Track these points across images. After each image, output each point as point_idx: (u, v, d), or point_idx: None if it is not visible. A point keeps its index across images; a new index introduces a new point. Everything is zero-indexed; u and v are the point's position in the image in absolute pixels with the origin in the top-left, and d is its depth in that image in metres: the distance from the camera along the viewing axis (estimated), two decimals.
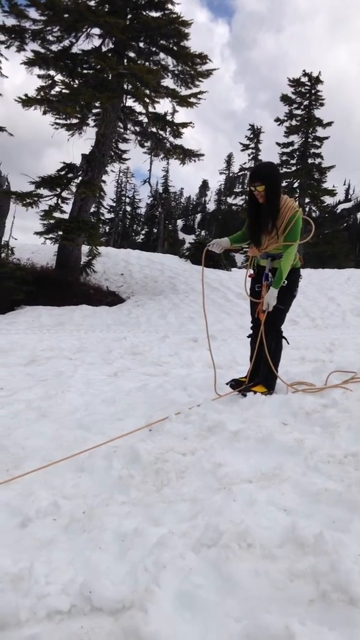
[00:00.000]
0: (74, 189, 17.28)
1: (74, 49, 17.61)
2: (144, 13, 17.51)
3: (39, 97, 16.85)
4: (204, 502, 2.38)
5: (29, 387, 5.48)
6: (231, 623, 1.61)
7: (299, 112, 37.50)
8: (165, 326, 13.16)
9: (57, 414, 4.19)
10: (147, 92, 17.29)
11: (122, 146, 23.46)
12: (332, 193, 39.49)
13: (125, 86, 17.79)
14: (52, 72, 17.53)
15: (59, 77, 17.43)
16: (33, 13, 16.50)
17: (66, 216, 17.34)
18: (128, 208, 69.63)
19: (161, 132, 19.49)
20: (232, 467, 2.73)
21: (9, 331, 11.47)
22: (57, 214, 16.79)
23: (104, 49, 17.92)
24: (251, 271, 4.63)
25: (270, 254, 4.37)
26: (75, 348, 8.78)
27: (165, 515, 2.31)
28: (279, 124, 37.85)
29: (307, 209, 39.44)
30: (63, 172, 17.61)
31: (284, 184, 37.28)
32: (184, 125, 19.18)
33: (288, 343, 4.71)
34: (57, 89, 17.18)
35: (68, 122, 18.12)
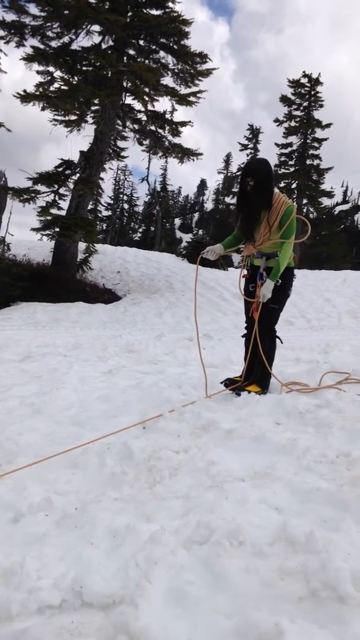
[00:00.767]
0: (71, 185, 17.26)
1: (74, 46, 17.63)
2: (145, 11, 17.52)
3: (37, 93, 16.83)
4: (196, 499, 2.39)
5: (23, 383, 5.48)
6: (221, 619, 1.62)
7: (298, 113, 37.61)
8: (161, 324, 13.16)
9: (51, 410, 4.19)
10: (147, 90, 17.30)
11: (120, 144, 23.46)
12: (330, 194, 39.64)
13: (124, 84, 17.78)
14: (51, 69, 17.52)
15: (58, 74, 17.42)
16: (33, 9, 16.51)
17: (63, 213, 17.33)
18: (126, 206, 69.53)
19: (160, 131, 19.50)
20: (225, 466, 2.74)
21: (4, 327, 11.46)
22: (54, 211, 16.79)
23: (103, 46, 17.91)
24: (245, 271, 4.64)
25: (264, 252, 4.38)
26: (71, 345, 8.78)
27: (157, 512, 2.32)
28: (278, 125, 37.94)
29: (304, 210, 39.53)
30: (61, 169, 17.59)
31: (282, 184, 37.37)
32: (183, 124, 19.18)
33: (282, 342, 4.73)
34: (56, 85, 17.20)
35: (67, 118, 18.12)
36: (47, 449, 3.20)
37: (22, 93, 16.21)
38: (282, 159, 38.28)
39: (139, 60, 17.96)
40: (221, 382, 4.64)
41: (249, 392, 4.22)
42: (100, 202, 36.81)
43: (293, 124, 37.69)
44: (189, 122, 19.24)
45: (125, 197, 69.42)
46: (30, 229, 17.22)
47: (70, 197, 17.70)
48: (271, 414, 3.66)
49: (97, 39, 17.91)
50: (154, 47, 18.15)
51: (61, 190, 17.18)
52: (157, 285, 18.85)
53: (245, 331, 4.66)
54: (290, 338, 10.01)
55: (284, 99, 37.22)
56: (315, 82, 37.02)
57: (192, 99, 18.20)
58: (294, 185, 37.62)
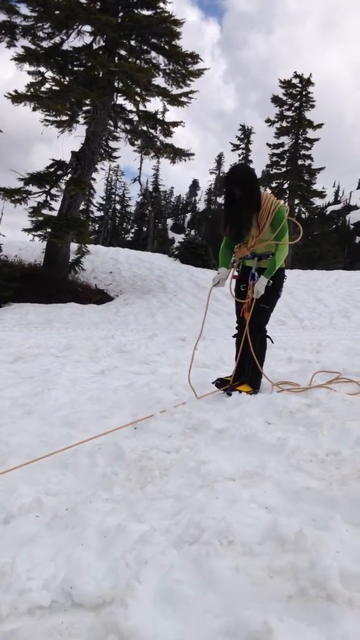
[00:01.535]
0: (63, 186, 17.21)
1: (65, 46, 17.55)
2: (136, 11, 17.50)
3: (29, 93, 16.74)
4: (187, 499, 2.39)
5: (14, 384, 5.46)
6: (211, 618, 1.63)
7: (289, 113, 37.64)
8: (154, 325, 13.16)
9: (42, 411, 4.19)
10: (138, 90, 17.28)
11: (112, 144, 23.40)
12: (321, 195, 39.75)
13: (116, 84, 17.75)
14: (42, 69, 17.42)
15: (49, 74, 17.33)
16: (24, 9, 16.41)
17: (55, 213, 17.27)
18: (118, 206, 69.48)
19: (152, 131, 19.48)
20: (216, 465, 2.74)
21: None
22: (45, 211, 16.72)
23: (95, 46, 17.87)
24: (235, 272, 4.66)
25: (257, 253, 4.40)
26: (63, 346, 8.76)
27: (148, 512, 2.32)
28: (269, 125, 37.96)
29: (296, 210, 39.63)
30: (52, 169, 17.53)
31: (273, 185, 37.45)
32: (175, 124, 19.17)
33: (272, 342, 4.75)
34: (47, 85, 17.08)
35: (58, 119, 18.05)
36: (38, 449, 3.19)
37: (13, 93, 16.14)
38: (274, 159, 38.30)
39: (130, 60, 17.94)
40: (212, 382, 4.65)
41: (240, 392, 4.23)
42: (92, 202, 36.80)
43: (284, 124, 37.72)
44: (181, 122, 19.24)
45: (117, 198, 69.39)
46: (22, 229, 17.12)
47: (62, 198, 17.64)
48: (262, 413, 3.68)
49: (88, 39, 17.88)
50: (145, 47, 18.13)
51: (53, 191, 17.12)
52: (149, 286, 18.84)
53: (237, 331, 4.67)
54: (283, 338, 10.03)
55: (276, 99, 37.26)
56: (307, 82, 37.08)
57: (183, 99, 18.19)
58: (285, 186, 37.65)
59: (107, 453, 3.00)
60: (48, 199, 16.98)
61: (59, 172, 17.47)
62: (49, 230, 16.53)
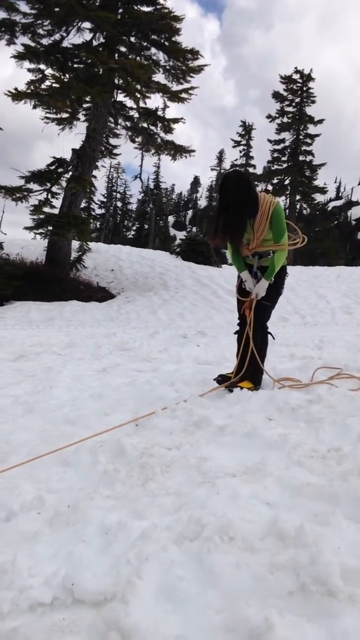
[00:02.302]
0: (64, 184, 17.20)
1: (65, 43, 17.54)
2: (135, 7, 17.45)
3: (29, 91, 16.74)
4: (187, 495, 2.39)
5: (17, 382, 5.47)
6: (212, 614, 1.63)
7: (290, 109, 37.59)
8: (156, 322, 13.16)
9: (44, 409, 4.19)
10: (138, 87, 17.25)
11: (112, 141, 23.41)
12: (323, 191, 39.67)
13: (116, 81, 17.72)
14: (42, 66, 17.41)
15: (49, 71, 17.31)
16: (23, 6, 16.40)
17: (56, 211, 17.26)
18: (119, 204, 69.51)
19: (152, 128, 19.45)
20: (217, 462, 2.74)
21: None
22: (47, 209, 16.70)
23: (94, 43, 17.84)
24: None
25: (258, 252, 4.41)
26: (65, 344, 8.77)
27: (149, 509, 2.32)
28: (270, 121, 37.93)
29: (298, 207, 39.58)
30: (53, 167, 17.51)
31: (274, 181, 37.40)
32: (175, 120, 19.15)
33: (274, 339, 4.75)
34: (47, 83, 17.07)
35: (58, 116, 18.03)
36: (39, 447, 3.20)
37: (13, 91, 16.12)
38: (275, 155, 38.29)
39: (130, 57, 17.90)
40: (214, 379, 4.66)
41: (242, 388, 4.23)
42: (93, 200, 36.71)
43: (285, 120, 37.69)
44: (181, 119, 19.21)
45: (118, 195, 69.40)
46: (23, 227, 17.14)
47: (63, 196, 17.64)
48: (263, 409, 3.68)
49: (88, 36, 17.86)
50: (145, 43, 18.09)
51: (54, 189, 17.10)
52: (151, 283, 18.84)
53: (238, 328, 4.68)
54: (285, 334, 10.03)
55: (276, 95, 37.20)
56: (307, 78, 37.04)
57: (184, 95, 18.17)
58: (286, 182, 37.61)
59: (109, 450, 3.00)
60: (49, 196, 16.96)
61: (60, 170, 17.45)
62: (50, 228, 16.54)
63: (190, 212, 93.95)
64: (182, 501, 2.35)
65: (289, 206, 35.50)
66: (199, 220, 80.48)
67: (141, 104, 18.29)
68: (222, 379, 4.57)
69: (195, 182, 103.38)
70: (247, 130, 48.51)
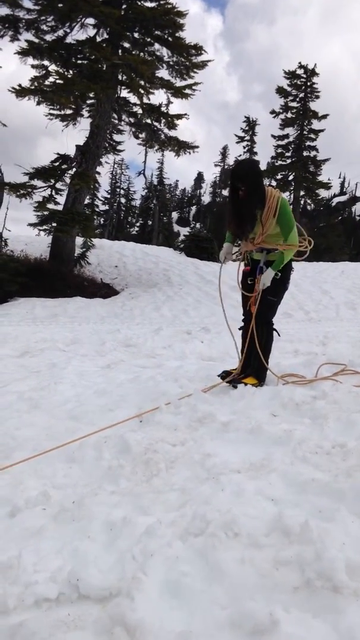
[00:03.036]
0: (68, 180, 17.21)
1: (68, 39, 17.54)
2: (139, 3, 17.41)
3: (32, 87, 16.74)
4: (192, 491, 2.39)
5: (21, 378, 5.48)
6: (217, 610, 1.63)
7: (294, 104, 37.39)
8: (159, 318, 13.17)
9: (48, 405, 4.20)
10: (142, 83, 17.22)
11: (116, 137, 23.36)
12: (327, 186, 39.51)
13: (119, 77, 17.71)
14: (46, 62, 17.44)
15: (53, 68, 17.34)
16: (27, 2, 16.42)
17: (60, 208, 17.28)
18: (123, 200, 69.48)
19: (156, 124, 19.43)
20: (221, 458, 2.74)
21: (2, 323, 11.45)
22: (51, 206, 16.74)
23: (98, 39, 17.81)
24: (243, 266, 4.64)
25: (265, 248, 4.38)
26: (69, 340, 8.78)
27: (154, 505, 2.33)
28: (274, 117, 37.76)
29: (302, 202, 39.44)
30: (57, 163, 17.53)
31: (279, 176, 37.26)
32: (179, 116, 19.11)
33: (279, 335, 4.73)
34: (51, 79, 17.10)
35: (62, 112, 18.03)
36: (44, 443, 3.21)
37: (17, 87, 16.14)
38: (279, 150, 38.11)
39: (133, 52, 17.86)
40: (218, 375, 4.65)
41: (246, 384, 4.23)
42: (97, 196, 36.80)
43: (289, 115, 37.48)
44: (185, 114, 19.20)
45: (122, 191, 69.35)
46: (28, 224, 17.17)
47: (67, 192, 17.64)
48: (267, 405, 3.67)
49: (91, 32, 17.84)
50: (148, 39, 18.04)
51: (58, 185, 17.14)
52: (154, 280, 18.83)
53: (243, 324, 4.66)
54: (289, 330, 10.02)
55: (280, 91, 37.00)
56: (311, 73, 36.81)
57: (187, 91, 18.12)
58: (291, 177, 37.46)
59: (113, 446, 3.01)
60: (53, 193, 17.00)
61: (64, 166, 17.46)
62: (54, 224, 16.57)
63: (194, 208, 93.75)
64: (186, 497, 2.35)
65: (293, 202, 35.39)
66: (203, 216, 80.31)
67: (145, 100, 18.27)
68: (226, 375, 4.56)
69: (199, 178, 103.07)
70: (250, 125, 48.35)
